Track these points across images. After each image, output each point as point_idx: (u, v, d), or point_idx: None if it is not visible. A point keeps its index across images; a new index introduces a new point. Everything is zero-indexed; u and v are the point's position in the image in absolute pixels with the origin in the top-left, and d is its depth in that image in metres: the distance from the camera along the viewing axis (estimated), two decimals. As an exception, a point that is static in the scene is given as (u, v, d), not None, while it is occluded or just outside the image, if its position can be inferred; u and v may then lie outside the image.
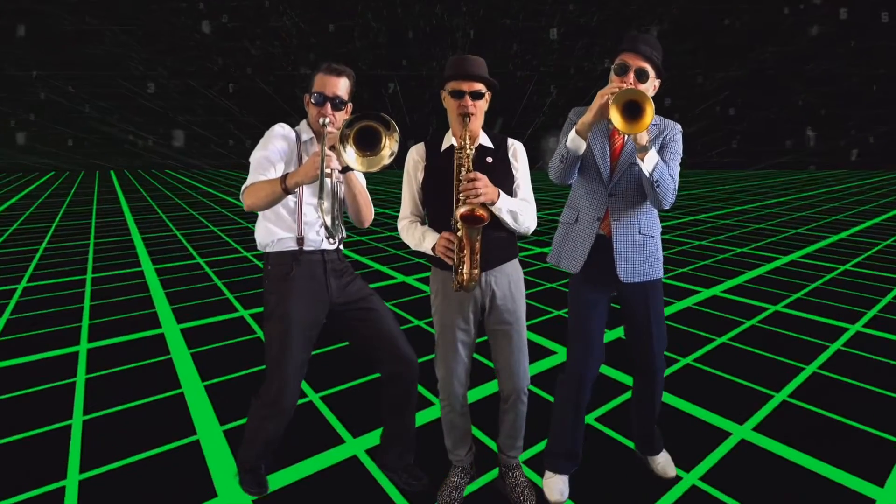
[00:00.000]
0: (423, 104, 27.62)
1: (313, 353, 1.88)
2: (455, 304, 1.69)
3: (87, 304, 4.19)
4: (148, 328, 3.62)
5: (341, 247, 1.83)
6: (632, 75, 1.60)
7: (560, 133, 1.76)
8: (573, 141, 1.62)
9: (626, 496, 1.88)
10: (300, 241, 1.71)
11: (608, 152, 1.73)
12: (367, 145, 1.45)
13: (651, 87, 1.64)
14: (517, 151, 1.72)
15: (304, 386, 2.71)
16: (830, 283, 4.62)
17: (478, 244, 1.52)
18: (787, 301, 4.11)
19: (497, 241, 1.65)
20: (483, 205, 1.53)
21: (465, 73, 1.57)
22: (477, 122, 1.63)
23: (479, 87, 1.59)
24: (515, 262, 1.76)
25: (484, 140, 1.69)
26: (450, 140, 1.69)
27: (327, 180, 1.60)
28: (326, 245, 1.75)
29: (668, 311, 3.83)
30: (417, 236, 1.69)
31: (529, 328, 3.52)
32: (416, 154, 1.73)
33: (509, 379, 1.76)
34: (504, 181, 1.66)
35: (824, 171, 23.02)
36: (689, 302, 4.10)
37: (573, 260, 1.79)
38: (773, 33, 25.02)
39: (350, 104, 1.73)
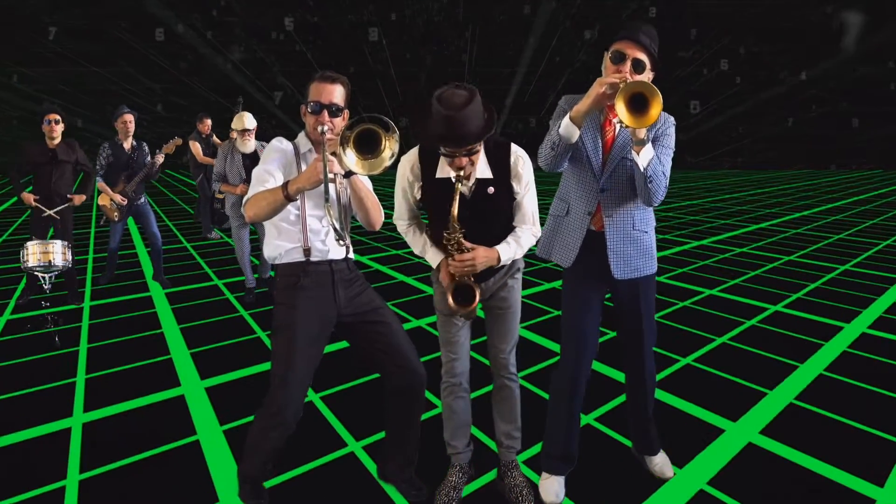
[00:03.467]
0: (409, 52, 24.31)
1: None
2: None
3: (88, 285, 3.99)
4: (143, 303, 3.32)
5: (351, 255, 1.81)
6: (628, 64, 1.56)
7: (551, 120, 1.72)
8: (566, 128, 1.58)
9: (624, 497, 1.91)
10: (307, 251, 1.71)
11: (600, 144, 1.70)
12: (367, 148, 1.47)
13: (645, 78, 1.59)
14: (520, 172, 1.67)
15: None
16: (770, 272, 5.04)
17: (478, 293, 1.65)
18: (787, 301, 4.07)
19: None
20: (476, 282, 1.64)
21: (457, 139, 1.48)
22: (476, 166, 1.62)
23: (474, 146, 1.53)
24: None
25: (482, 171, 1.65)
26: (444, 169, 1.63)
27: (331, 185, 1.63)
28: (334, 255, 1.75)
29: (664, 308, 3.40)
30: (420, 246, 1.76)
31: (531, 328, 3.59)
32: (410, 174, 1.71)
33: (496, 354, 1.81)
34: (506, 206, 1.69)
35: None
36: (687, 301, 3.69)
37: (565, 253, 1.79)
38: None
39: (346, 111, 1.72)
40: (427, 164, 1.67)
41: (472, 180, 1.63)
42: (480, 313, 1.82)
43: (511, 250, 1.67)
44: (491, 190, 1.63)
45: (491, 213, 1.66)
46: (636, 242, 1.74)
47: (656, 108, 1.37)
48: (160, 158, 4.44)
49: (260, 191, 1.60)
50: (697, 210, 9.88)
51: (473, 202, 1.64)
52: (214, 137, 6.90)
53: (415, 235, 1.78)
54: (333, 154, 1.52)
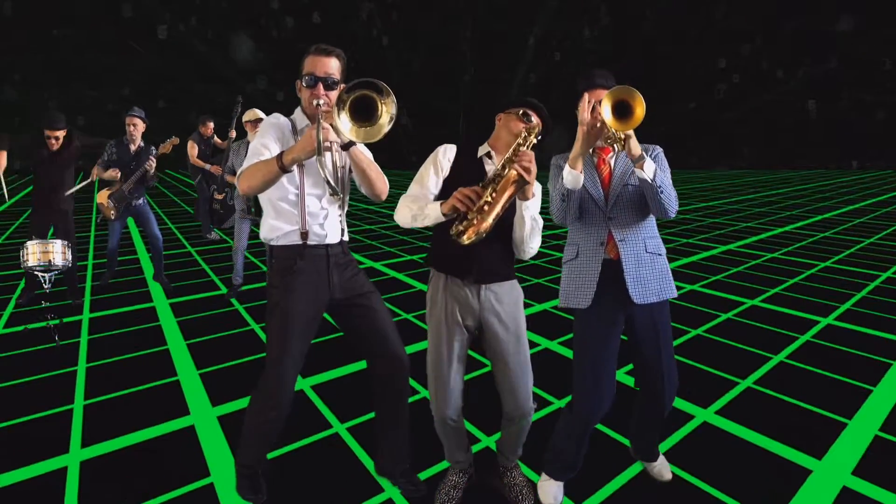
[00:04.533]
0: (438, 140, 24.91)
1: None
2: (451, 314, 1.69)
3: (88, 283, 4.35)
4: (142, 302, 3.72)
5: (346, 239, 1.82)
6: (598, 108, 1.62)
7: (548, 182, 1.80)
8: (569, 176, 1.64)
9: (623, 497, 1.88)
10: (304, 235, 1.69)
11: (598, 181, 1.75)
12: (364, 116, 1.44)
13: None
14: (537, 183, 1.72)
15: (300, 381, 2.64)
16: (809, 279, 4.89)
17: (503, 207, 1.52)
18: (766, 296, 4.23)
19: (499, 253, 1.68)
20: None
21: (544, 113, 1.71)
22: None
23: (541, 127, 1.69)
24: (514, 283, 1.76)
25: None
26: (486, 148, 1.74)
27: (328, 153, 1.65)
28: (330, 239, 1.74)
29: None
30: (419, 205, 1.63)
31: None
32: (444, 157, 1.74)
33: (512, 401, 1.73)
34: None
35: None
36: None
37: (582, 295, 1.74)
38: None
39: (343, 84, 1.67)
40: (466, 148, 1.76)
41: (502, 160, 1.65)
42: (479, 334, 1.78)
43: (538, 210, 1.70)
44: None
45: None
46: (651, 266, 1.73)
47: (640, 109, 1.44)
48: (153, 162, 4.25)
49: (254, 162, 1.57)
50: (716, 212, 9.60)
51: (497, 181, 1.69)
52: (216, 138, 6.69)
53: (417, 203, 1.65)
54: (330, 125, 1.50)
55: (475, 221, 1.50)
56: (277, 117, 1.72)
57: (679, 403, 2.53)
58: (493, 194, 1.52)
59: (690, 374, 2.84)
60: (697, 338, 3.37)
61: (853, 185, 15.79)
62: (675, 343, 3.26)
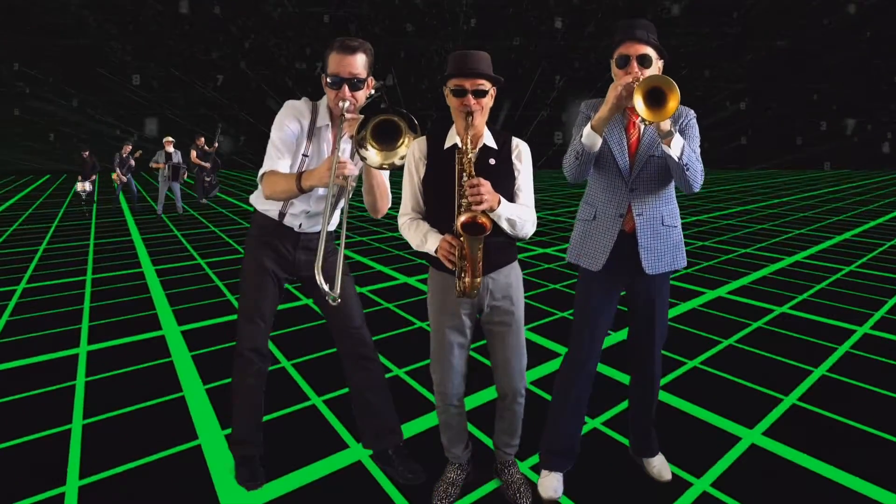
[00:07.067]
0: (422, 95, 24.82)
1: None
2: (451, 305, 1.68)
3: (87, 304, 4.19)
4: (149, 330, 3.58)
5: (330, 229, 1.76)
6: (634, 64, 1.59)
7: (574, 127, 1.74)
8: (589, 137, 1.60)
9: (623, 497, 1.87)
10: (281, 215, 1.78)
11: (625, 146, 1.70)
12: (388, 140, 1.45)
13: (655, 70, 1.63)
14: (521, 153, 1.67)
15: (308, 389, 2.74)
16: (835, 284, 4.68)
17: (480, 252, 1.51)
18: (793, 302, 4.13)
19: (495, 245, 1.61)
20: (484, 212, 1.50)
21: (468, 69, 1.51)
22: (481, 119, 1.59)
23: (482, 84, 1.54)
24: (515, 264, 1.74)
25: (488, 139, 1.64)
26: (453, 138, 1.63)
27: (341, 189, 1.68)
28: (305, 228, 1.82)
29: (674, 312, 3.88)
30: (420, 237, 1.63)
31: (533, 330, 3.54)
32: (417, 150, 1.67)
33: (506, 379, 1.75)
34: (505, 183, 1.63)
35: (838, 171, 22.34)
36: (694, 303, 4.13)
37: (594, 258, 1.76)
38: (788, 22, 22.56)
39: (371, 79, 1.67)
40: (435, 141, 1.66)
41: (479, 144, 1.61)
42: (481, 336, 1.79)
43: (513, 210, 1.57)
44: (492, 161, 1.61)
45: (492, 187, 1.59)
46: (666, 238, 1.73)
47: (674, 100, 1.38)
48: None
49: (277, 173, 1.63)
50: (728, 214, 9.46)
51: (476, 172, 1.58)
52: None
53: (417, 229, 1.65)
54: (353, 139, 1.50)
55: (466, 278, 1.51)
56: (306, 104, 1.72)
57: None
58: (463, 247, 1.50)
59: (731, 391, 2.68)
60: (730, 348, 3.21)
61: (799, 182, 15.66)
62: (708, 353, 3.11)
